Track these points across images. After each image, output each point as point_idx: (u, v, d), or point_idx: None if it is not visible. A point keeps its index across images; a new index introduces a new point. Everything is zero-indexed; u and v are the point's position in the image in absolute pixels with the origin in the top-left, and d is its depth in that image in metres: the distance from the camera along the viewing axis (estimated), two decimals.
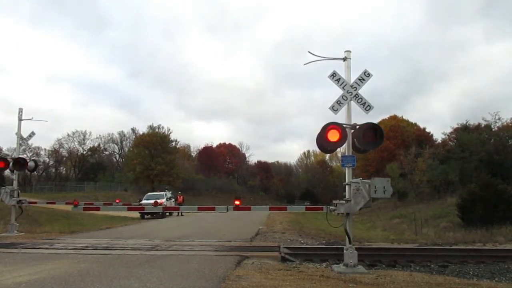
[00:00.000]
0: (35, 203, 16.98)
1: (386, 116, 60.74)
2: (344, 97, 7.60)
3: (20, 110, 13.79)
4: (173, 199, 32.10)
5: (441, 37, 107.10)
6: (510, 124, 35.97)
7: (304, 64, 8.16)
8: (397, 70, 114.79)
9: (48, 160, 64.10)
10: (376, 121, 8.12)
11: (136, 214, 26.02)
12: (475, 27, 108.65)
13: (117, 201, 16.97)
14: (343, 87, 7.63)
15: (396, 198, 38.94)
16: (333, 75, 7.69)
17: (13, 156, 16.31)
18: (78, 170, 66.37)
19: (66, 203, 15.05)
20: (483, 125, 37.85)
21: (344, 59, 7.82)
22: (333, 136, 7.30)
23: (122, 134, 72.08)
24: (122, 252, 8.87)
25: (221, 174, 76.47)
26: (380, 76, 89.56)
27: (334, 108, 7.59)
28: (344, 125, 7.49)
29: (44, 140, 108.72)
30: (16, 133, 13.91)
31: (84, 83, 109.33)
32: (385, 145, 47.38)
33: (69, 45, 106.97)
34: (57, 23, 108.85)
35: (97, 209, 16.14)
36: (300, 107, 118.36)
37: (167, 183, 51.26)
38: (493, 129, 35.87)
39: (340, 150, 11.34)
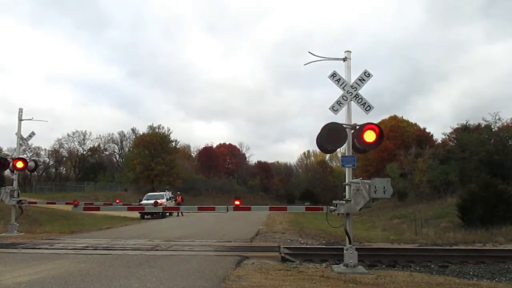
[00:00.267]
0: (35, 203, 16.97)
1: (386, 116, 60.80)
2: (344, 97, 7.61)
3: (20, 110, 13.79)
4: (173, 199, 32.10)
5: (441, 37, 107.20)
6: (510, 124, 35.99)
7: (304, 64, 8.18)
8: (397, 70, 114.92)
9: (48, 160, 64.19)
10: (376, 121, 8.12)
11: (136, 214, 26.03)
12: (475, 26, 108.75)
13: (117, 201, 16.97)
14: (343, 87, 7.63)
15: (396, 198, 38.93)
16: (333, 75, 7.69)
17: (13, 156, 16.31)
18: (78, 170, 66.39)
19: (66, 203, 15.04)
20: (483, 125, 37.88)
21: (344, 59, 7.82)
22: (334, 136, 7.30)
23: (122, 134, 72.20)
24: (122, 252, 8.87)
25: (221, 174, 76.47)
26: (380, 76, 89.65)
27: (334, 108, 7.59)
28: (344, 125, 7.49)
29: (44, 140, 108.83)
30: (16, 133, 13.91)
31: (84, 83, 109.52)
32: (385, 145, 47.36)
33: (69, 45, 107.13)
34: (57, 23, 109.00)
35: (97, 209, 16.14)
36: (300, 107, 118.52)
37: (167, 183, 51.26)
38: (493, 129, 35.89)
39: (340, 150, 11.35)
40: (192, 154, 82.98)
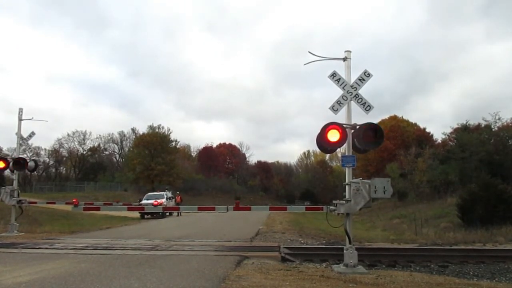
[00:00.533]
0: (35, 203, 16.99)
1: (386, 116, 60.81)
2: (344, 97, 7.60)
3: (20, 110, 13.79)
4: (173, 199, 32.11)
5: (441, 36, 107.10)
6: (510, 124, 36.00)
7: (304, 64, 8.18)
8: (398, 70, 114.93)
9: (48, 160, 64.21)
10: (376, 121, 8.13)
11: (136, 214, 26.04)
12: (475, 26, 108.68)
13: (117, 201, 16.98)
14: (343, 87, 7.63)
15: (396, 198, 38.94)
16: (333, 75, 7.69)
17: (13, 156, 16.31)
18: (78, 170, 66.40)
19: (66, 203, 15.08)
20: (483, 125, 37.90)
21: (344, 59, 7.82)
22: (333, 136, 7.30)
23: (122, 134, 72.24)
24: (122, 252, 8.87)
25: (221, 174, 76.48)
26: (380, 76, 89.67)
27: (334, 108, 7.59)
28: (344, 125, 7.49)
29: (44, 140, 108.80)
30: (16, 133, 13.91)
31: (84, 83, 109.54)
32: (385, 145, 47.38)
33: (69, 45, 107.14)
34: (57, 23, 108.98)
35: (97, 209, 16.14)
36: (300, 107, 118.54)
37: (167, 183, 51.27)
38: (493, 129, 35.91)
39: (340, 150, 11.36)
40: (192, 154, 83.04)
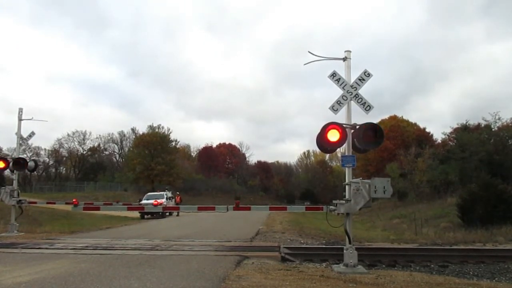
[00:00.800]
0: (35, 203, 17.00)
1: (386, 116, 60.81)
2: (344, 97, 7.61)
3: (20, 110, 13.79)
4: (173, 199, 32.10)
5: (442, 36, 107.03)
6: (510, 124, 35.98)
7: (304, 64, 8.17)
8: (398, 69, 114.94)
9: (48, 160, 64.26)
10: (376, 121, 8.14)
11: (136, 214, 26.03)
12: (476, 26, 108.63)
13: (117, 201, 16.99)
14: (343, 87, 7.63)
15: (396, 198, 38.95)
16: (333, 75, 7.69)
17: (13, 156, 16.31)
18: (78, 170, 66.41)
19: (66, 203, 15.06)
20: (483, 125, 37.89)
21: (344, 59, 7.82)
22: (333, 136, 7.30)
23: (122, 134, 72.24)
24: (122, 252, 8.87)
25: (221, 174, 76.46)
26: (380, 75, 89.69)
27: (334, 108, 7.59)
28: (344, 125, 7.49)
29: (44, 140, 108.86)
30: (16, 133, 13.90)
31: (84, 82, 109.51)
32: (385, 145, 47.38)
33: (69, 45, 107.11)
34: (57, 23, 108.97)
35: (97, 209, 16.12)
36: (300, 107, 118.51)
37: (167, 183, 51.29)
38: (493, 129, 35.90)
39: (340, 150, 11.34)
40: (192, 154, 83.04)
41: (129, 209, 15.23)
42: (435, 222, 24.25)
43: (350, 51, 7.83)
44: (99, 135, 70.25)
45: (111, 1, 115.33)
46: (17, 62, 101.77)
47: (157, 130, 60.68)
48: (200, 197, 59.17)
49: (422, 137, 54.63)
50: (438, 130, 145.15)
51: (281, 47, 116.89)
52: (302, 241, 11.98)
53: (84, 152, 67.10)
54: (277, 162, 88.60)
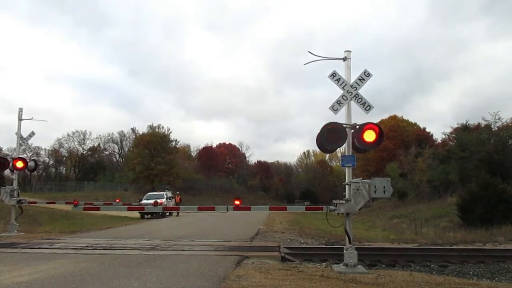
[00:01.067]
0: (35, 203, 17.02)
1: (386, 116, 60.83)
2: (344, 97, 7.61)
3: (20, 110, 13.80)
4: (172, 199, 32.09)
5: (443, 35, 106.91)
6: (510, 124, 35.95)
7: (304, 64, 8.18)
8: (399, 69, 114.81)
9: (48, 160, 64.14)
10: (376, 120, 8.14)
11: (136, 214, 26.03)
12: (477, 25, 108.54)
13: (117, 200, 16.99)
14: (343, 87, 7.64)
15: (396, 198, 38.93)
16: (333, 75, 7.69)
17: (13, 156, 16.31)
18: (78, 170, 66.37)
19: (66, 203, 15.09)
20: (483, 125, 37.86)
21: (344, 59, 7.82)
22: (334, 136, 7.31)
23: (122, 134, 72.17)
24: (122, 252, 8.88)
25: (221, 174, 76.46)
26: (381, 75, 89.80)
27: (334, 108, 7.59)
28: (344, 125, 7.49)
29: (44, 140, 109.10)
30: (16, 133, 13.92)
31: (84, 82, 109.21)
32: (385, 145, 47.35)
33: (69, 44, 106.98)
34: (56, 21, 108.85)
35: (97, 209, 16.17)
36: (301, 106, 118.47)
37: (167, 183, 51.30)
38: (493, 129, 35.86)
39: (340, 150, 11.36)
40: (192, 154, 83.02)
41: (129, 209, 15.25)
42: (435, 222, 24.24)
43: (350, 51, 7.84)
44: (99, 135, 70.17)
45: None
46: (17, 61, 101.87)
47: (157, 130, 60.72)
48: (200, 197, 59.17)
49: (422, 137, 54.59)
50: (439, 130, 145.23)
51: (282, 46, 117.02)
52: (302, 241, 11.99)
53: (84, 152, 67.05)
54: (277, 162, 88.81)
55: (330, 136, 7.40)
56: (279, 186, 78.18)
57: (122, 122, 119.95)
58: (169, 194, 32.41)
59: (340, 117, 7.65)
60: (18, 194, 13.15)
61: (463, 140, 35.39)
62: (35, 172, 52.46)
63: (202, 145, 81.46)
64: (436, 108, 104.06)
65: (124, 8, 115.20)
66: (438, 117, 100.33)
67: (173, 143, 62.72)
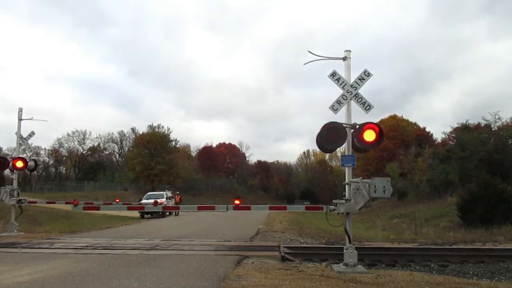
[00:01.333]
0: (35, 202, 17.02)
1: (386, 116, 60.83)
2: (344, 96, 7.61)
3: (20, 110, 13.80)
4: (172, 198, 32.09)
5: (443, 35, 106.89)
6: (510, 124, 35.96)
7: (304, 64, 8.19)
8: (399, 68, 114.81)
9: (48, 159, 64.10)
10: (376, 120, 8.14)
11: (136, 213, 26.04)
12: (478, 24, 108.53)
13: (117, 200, 16.98)
14: (343, 87, 7.64)
15: (396, 197, 38.95)
16: (333, 74, 7.69)
17: (13, 155, 16.31)
18: (78, 169, 66.36)
19: (66, 203, 15.07)
20: (483, 125, 37.85)
21: (344, 58, 7.82)
22: (334, 135, 7.31)
23: (122, 134, 72.15)
24: (122, 252, 8.88)
25: (221, 174, 76.46)
26: (381, 74, 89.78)
27: (334, 108, 7.59)
28: (344, 125, 7.49)
29: (44, 140, 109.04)
30: (16, 133, 13.92)
31: (84, 81, 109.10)
32: (385, 144, 47.37)
33: (69, 44, 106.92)
34: (56, 21, 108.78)
35: (97, 208, 16.14)
36: (301, 106, 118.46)
37: (167, 183, 51.30)
38: (493, 129, 35.85)
39: (340, 150, 11.34)
40: (192, 154, 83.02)
41: (129, 208, 15.25)
42: (435, 222, 24.25)
43: (350, 51, 7.84)
44: (99, 135, 70.16)
45: None
46: (17, 61, 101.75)
47: (157, 129, 60.71)
48: (200, 197, 59.17)
49: (422, 136, 54.58)
50: (439, 130, 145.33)
51: (282, 46, 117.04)
52: (302, 241, 11.99)
53: (84, 152, 67.04)
54: (277, 161, 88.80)
55: (330, 136, 7.40)
56: (279, 186, 78.17)
57: (122, 122, 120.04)
58: (169, 194, 32.41)
59: (340, 117, 7.67)
60: (18, 194, 13.15)
61: (463, 140, 35.38)
62: (35, 172, 52.48)
63: (202, 145, 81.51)
64: (436, 108, 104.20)
65: (124, 8, 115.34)
66: (438, 117, 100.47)
67: (173, 143, 62.73)
